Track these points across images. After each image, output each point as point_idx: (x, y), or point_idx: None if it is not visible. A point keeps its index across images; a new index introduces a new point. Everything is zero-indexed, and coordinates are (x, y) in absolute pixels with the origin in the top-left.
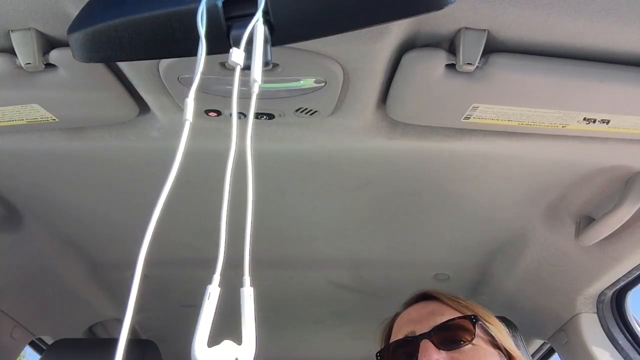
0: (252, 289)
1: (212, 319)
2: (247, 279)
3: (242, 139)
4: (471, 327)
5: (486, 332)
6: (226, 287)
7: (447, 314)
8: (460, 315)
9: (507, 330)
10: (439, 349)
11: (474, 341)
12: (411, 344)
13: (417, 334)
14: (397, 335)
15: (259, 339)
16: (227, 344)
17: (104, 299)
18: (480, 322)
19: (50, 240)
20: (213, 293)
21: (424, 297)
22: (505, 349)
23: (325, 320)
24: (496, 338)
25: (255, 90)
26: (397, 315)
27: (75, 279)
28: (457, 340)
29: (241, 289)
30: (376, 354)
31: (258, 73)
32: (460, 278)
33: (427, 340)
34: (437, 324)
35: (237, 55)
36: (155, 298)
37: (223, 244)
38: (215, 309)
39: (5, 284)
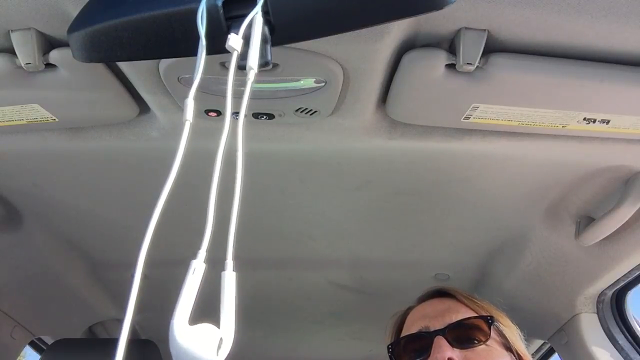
0: (234, 273)
1: (195, 296)
2: (229, 263)
3: (232, 132)
4: (486, 327)
5: (500, 333)
6: (216, 284)
7: (463, 312)
8: (476, 315)
9: (520, 333)
10: (453, 346)
11: (488, 342)
12: (425, 339)
13: (432, 330)
14: (410, 329)
15: (259, 337)
16: (206, 326)
17: (104, 299)
18: (495, 324)
19: (50, 240)
20: (198, 268)
21: (439, 293)
22: (517, 352)
23: (325, 320)
24: (509, 340)
25: (251, 77)
26: (409, 309)
27: (75, 279)
28: (471, 339)
29: (222, 273)
30: (387, 347)
31: (254, 60)
32: (460, 278)
33: (441, 337)
34: (452, 321)
35: (234, 40)
36: (155, 298)
37: (211, 221)
38: (200, 291)
39: (5, 284)
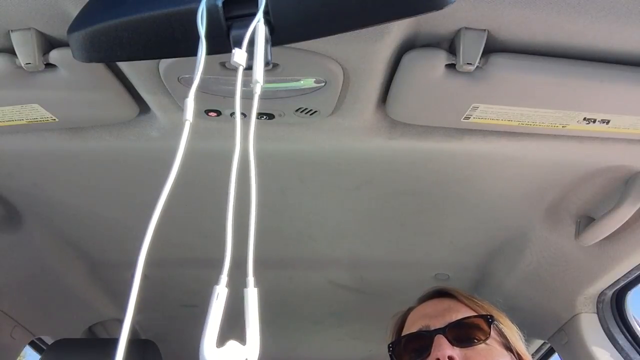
0: (256, 289)
1: (219, 320)
2: (250, 279)
3: (243, 140)
4: (486, 327)
5: (500, 333)
6: (228, 286)
7: (463, 312)
8: (476, 314)
9: (520, 334)
10: (453, 345)
11: (487, 341)
12: (425, 338)
13: (432, 328)
14: (411, 328)
15: (259, 338)
16: (232, 345)
17: (104, 299)
18: (495, 323)
19: (50, 240)
20: (221, 294)
21: (440, 293)
22: (517, 352)
23: (325, 320)
24: (509, 340)
25: (258, 91)
26: (410, 309)
27: (75, 279)
28: (471, 338)
29: (245, 290)
30: (388, 346)
31: (260, 74)
32: (460, 278)
33: (441, 335)
34: (452, 320)
35: (239, 56)
36: (155, 298)
37: (229, 245)
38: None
39: (5, 284)
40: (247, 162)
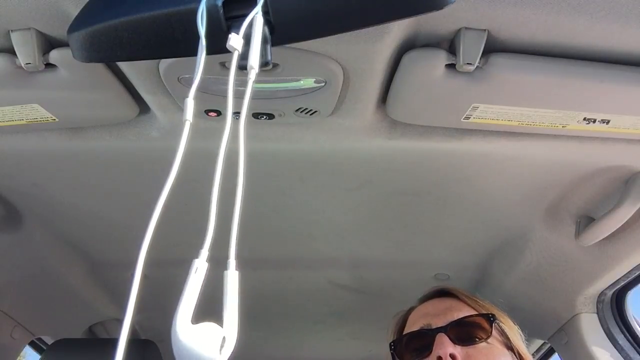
0: (237, 272)
1: (197, 295)
2: (232, 262)
3: (237, 132)
4: (488, 325)
5: (502, 332)
6: (217, 284)
7: (464, 311)
8: (477, 313)
9: (520, 334)
10: (455, 343)
11: (489, 340)
12: (427, 336)
13: (433, 327)
14: (412, 327)
15: (259, 337)
16: (209, 325)
17: (104, 299)
18: (496, 322)
19: (50, 240)
20: (200, 268)
21: (441, 292)
22: (517, 351)
23: (325, 320)
24: (510, 339)
25: (252, 77)
26: (411, 308)
27: (75, 279)
28: (473, 336)
29: (225, 272)
30: (389, 344)
31: (255, 60)
32: (460, 278)
33: (442, 334)
34: (454, 319)
35: (235, 40)
36: (155, 298)
37: (213, 221)
38: (202, 290)
39: (5, 284)
40: (246, 157)
